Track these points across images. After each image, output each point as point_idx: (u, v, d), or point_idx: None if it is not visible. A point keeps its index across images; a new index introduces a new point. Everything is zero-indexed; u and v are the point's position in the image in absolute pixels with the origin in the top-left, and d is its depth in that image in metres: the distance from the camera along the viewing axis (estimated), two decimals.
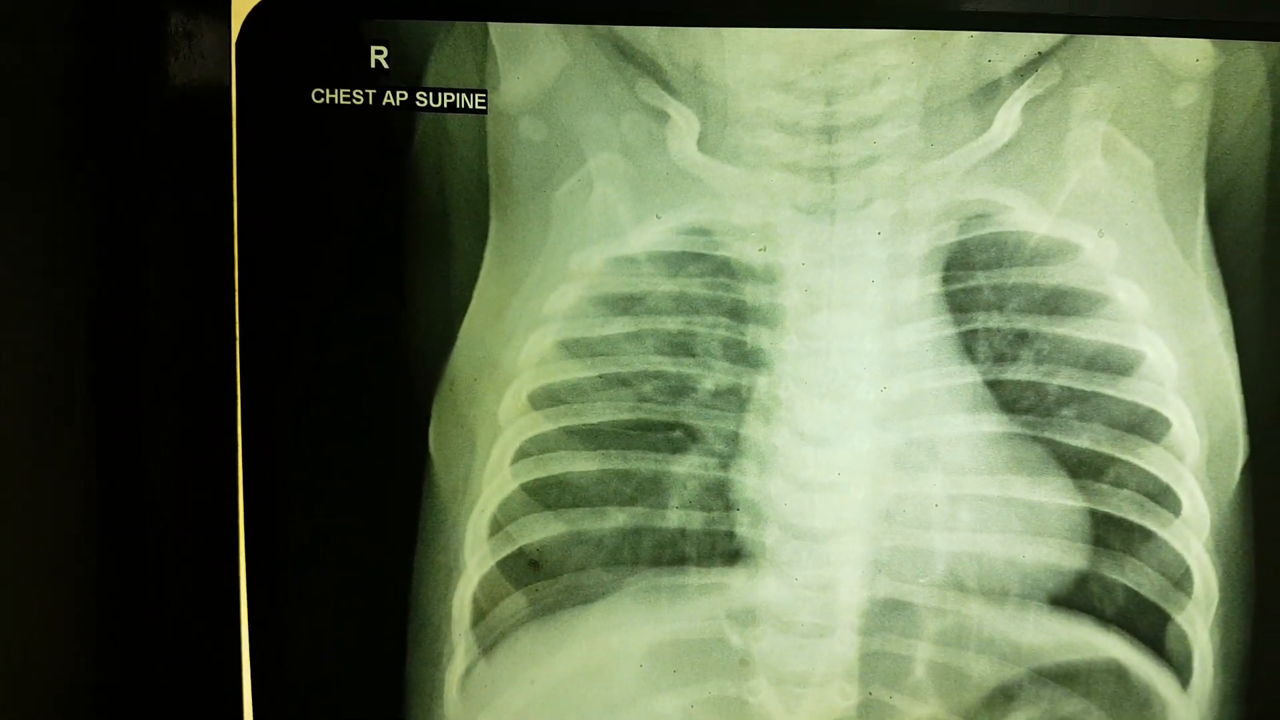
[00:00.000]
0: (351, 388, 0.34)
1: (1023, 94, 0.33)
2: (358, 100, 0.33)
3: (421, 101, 0.33)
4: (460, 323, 0.34)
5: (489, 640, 0.35)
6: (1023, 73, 0.33)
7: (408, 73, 0.33)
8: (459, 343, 0.34)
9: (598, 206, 0.34)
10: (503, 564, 0.35)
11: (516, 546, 0.35)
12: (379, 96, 0.33)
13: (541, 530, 0.35)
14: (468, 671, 0.35)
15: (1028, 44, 0.33)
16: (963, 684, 0.35)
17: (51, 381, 0.33)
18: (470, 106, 0.33)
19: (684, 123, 0.33)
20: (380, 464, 0.34)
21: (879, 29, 0.33)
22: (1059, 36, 0.33)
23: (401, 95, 0.33)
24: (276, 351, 0.34)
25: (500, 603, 0.35)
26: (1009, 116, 0.33)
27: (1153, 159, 0.33)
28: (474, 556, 0.35)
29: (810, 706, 0.35)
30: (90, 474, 0.34)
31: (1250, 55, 0.33)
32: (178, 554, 0.36)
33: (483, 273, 0.34)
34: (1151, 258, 0.33)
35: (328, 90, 0.33)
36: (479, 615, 0.35)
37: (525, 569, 0.35)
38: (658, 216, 0.34)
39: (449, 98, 0.33)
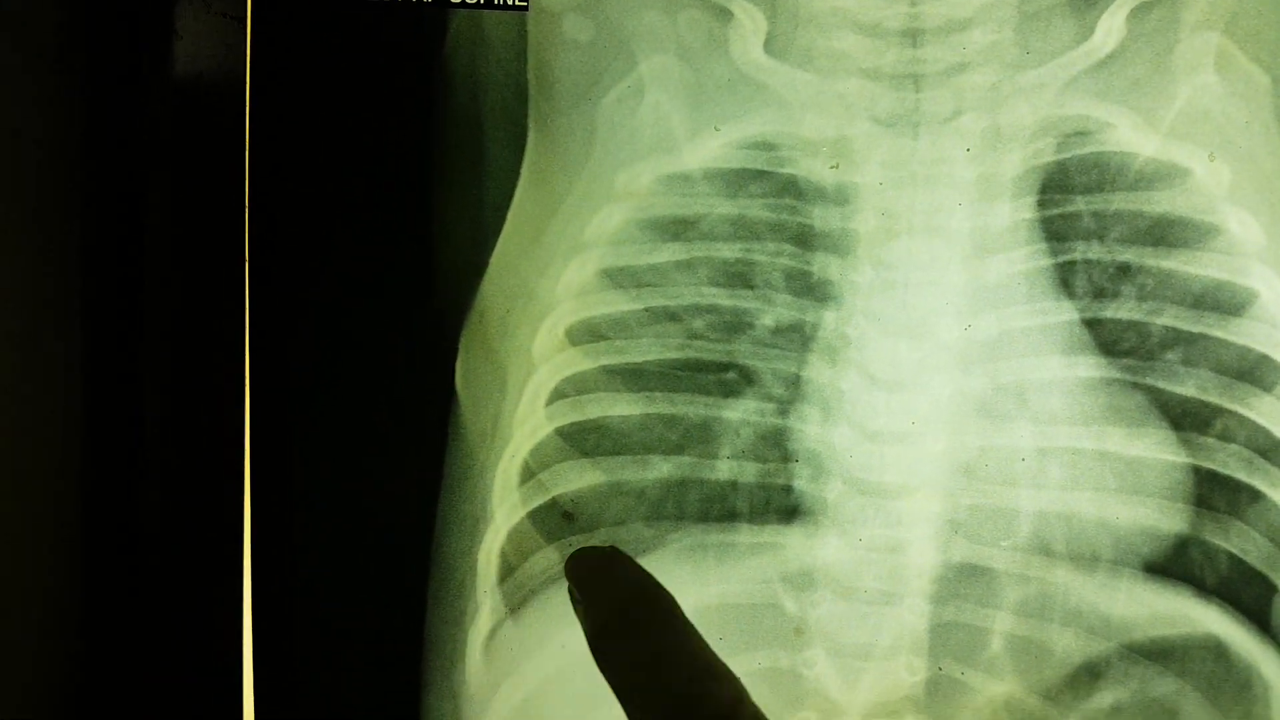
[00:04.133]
0: (372, 320, 0.32)
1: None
2: None
3: None
4: (492, 247, 0.32)
5: (517, 598, 0.33)
6: None
7: None
8: (490, 270, 0.32)
9: (649, 117, 0.32)
10: (534, 515, 0.33)
11: (549, 496, 0.33)
12: None
13: (577, 479, 0.33)
14: (493, 632, 0.33)
15: None
16: (1044, 660, 0.32)
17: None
18: (509, 3, 0.32)
19: (749, 21, 0.32)
20: (402, 404, 0.32)
21: None
22: None
23: None
24: (288, 276, 0.32)
25: (530, 557, 0.33)
26: (1112, 24, 0.32)
27: (1270, 75, 0.32)
28: (503, 506, 0.33)
29: (872, 682, 0.33)
30: (79, 416, 0.32)
31: None
32: (181, 487, 0.34)
33: (519, 191, 0.32)
34: (1268, 185, 0.32)
35: None
36: (507, 570, 0.33)
37: (558, 521, 0.33)
38: (716, 129, 0.32)
39: None
